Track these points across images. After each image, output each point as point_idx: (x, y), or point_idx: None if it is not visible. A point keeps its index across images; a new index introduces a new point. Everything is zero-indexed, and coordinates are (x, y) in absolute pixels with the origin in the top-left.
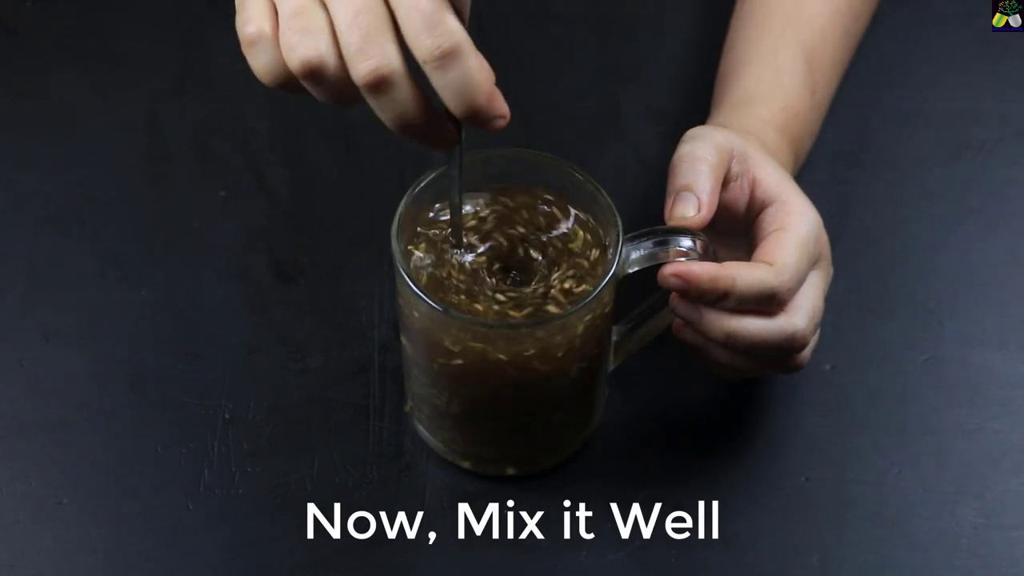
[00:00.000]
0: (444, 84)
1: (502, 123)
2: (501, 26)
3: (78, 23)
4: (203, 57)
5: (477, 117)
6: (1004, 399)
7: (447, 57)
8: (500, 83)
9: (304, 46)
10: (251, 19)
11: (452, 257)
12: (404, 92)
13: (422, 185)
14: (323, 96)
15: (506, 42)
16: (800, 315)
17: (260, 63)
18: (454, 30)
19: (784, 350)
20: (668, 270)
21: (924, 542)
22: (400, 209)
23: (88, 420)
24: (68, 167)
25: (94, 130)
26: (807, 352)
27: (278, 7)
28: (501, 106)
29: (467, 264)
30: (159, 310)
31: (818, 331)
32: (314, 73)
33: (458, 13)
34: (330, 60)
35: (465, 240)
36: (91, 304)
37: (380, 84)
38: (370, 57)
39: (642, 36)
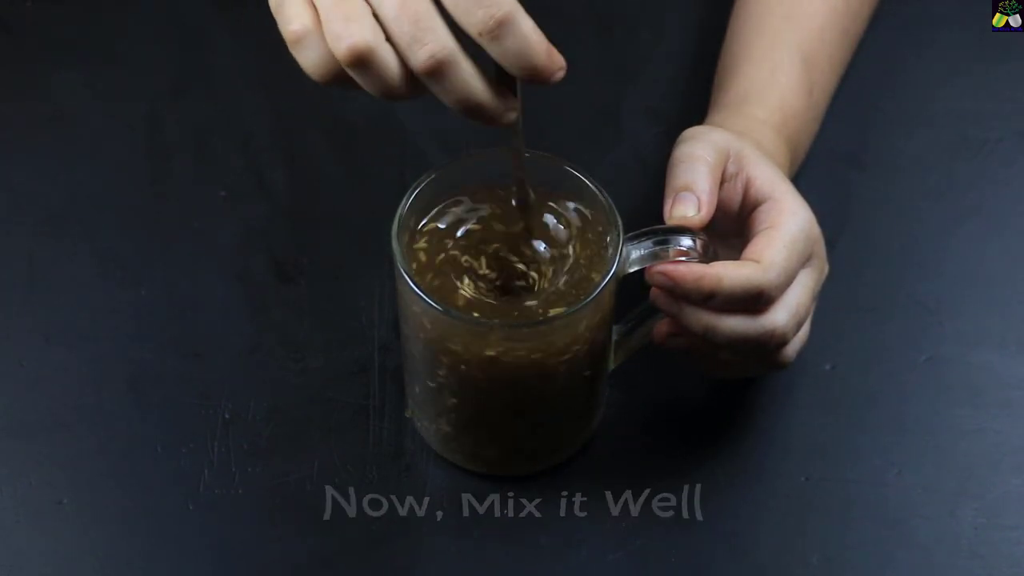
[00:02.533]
0: (503, 51)
1: (561, 74)
2: None
3: (78, 23)
4: (203, 57)
5: (539, 75)
6: (1004, 399)
7: (501, 25)
8: None
9: (350, 33)
10: (294, 16)
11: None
12: (464, 72)
13: (422, 185)
14: (374, 87)
15: None
16: (782, 312)
17: (308, 59)
18: None
19: (763, 345)
20: (655, 269)
21: (924, 542)
22: (400, 209)
23: (88, 420)
24: (68, 167)
25: (94, 130)
26: (791, 349)
27: (316, 2)
28: (558, 58)
29: (467, 264)
30: (159, 310)
31: (807, 329)
32: (362, 59)
33: None
34: (378, 45)
35: (465, 240)
36: (91, 304)
37: (440, 68)
38: (425, 43)
39: (642, 36)
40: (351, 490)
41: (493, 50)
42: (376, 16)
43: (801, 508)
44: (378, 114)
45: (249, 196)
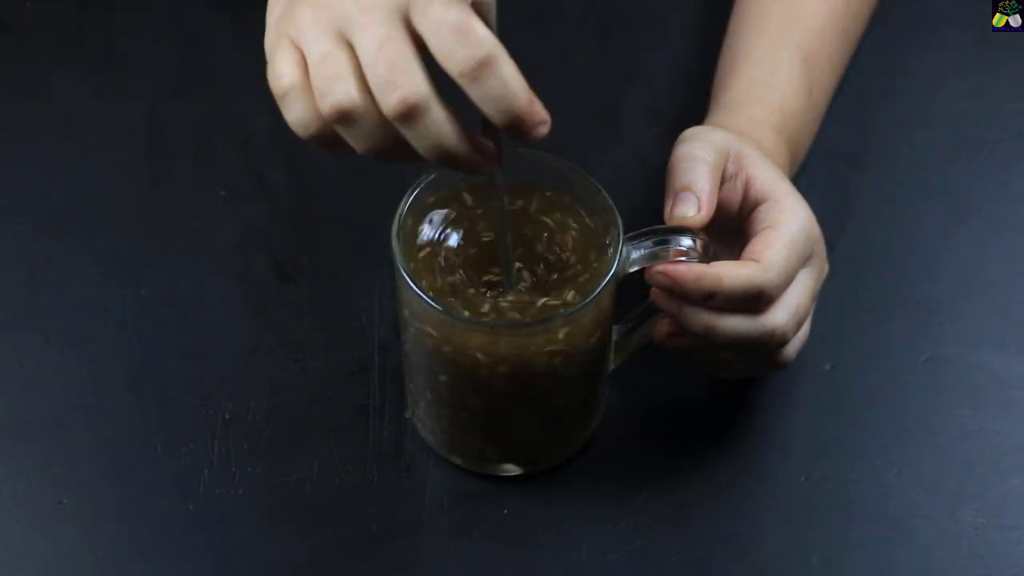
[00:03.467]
0: (483, 95)
1: (544, 129)
2: (501, 26)
3: (78, 23)
4: (203, 57)
5: (520, 125)
6: (1004, 399)
7: (483, 67)
8: None
9: (335, 92)
10: (283, 73)
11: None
12: (437, 117)
13: (422, 185)
14: (360, 142)
15: (506, 42)
16: (781, 311)
17: (295, 114)
18: (485, 38)
19: (764, 345)
20: (655, 269)
21: (924, 542)
22: (400, 209)
23: (88, 420)
24: (68, 167)
25: (94, 130)
26: (791, 349)
27: (306, 55)
28: (541, 111)
29: (468, 263)
30: (159, 310)
31: (807, 329)
32: (346, 116)
33: (485, 22)
34: (360, 101)
35: (464, 240)
36: (91, 304)
37: (412, 113)
38: (398, 87)
39: (642, 36)
40: (351, 490)
41: (473, 92)
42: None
43: (801, 508)
44: None
45: (249, 196)
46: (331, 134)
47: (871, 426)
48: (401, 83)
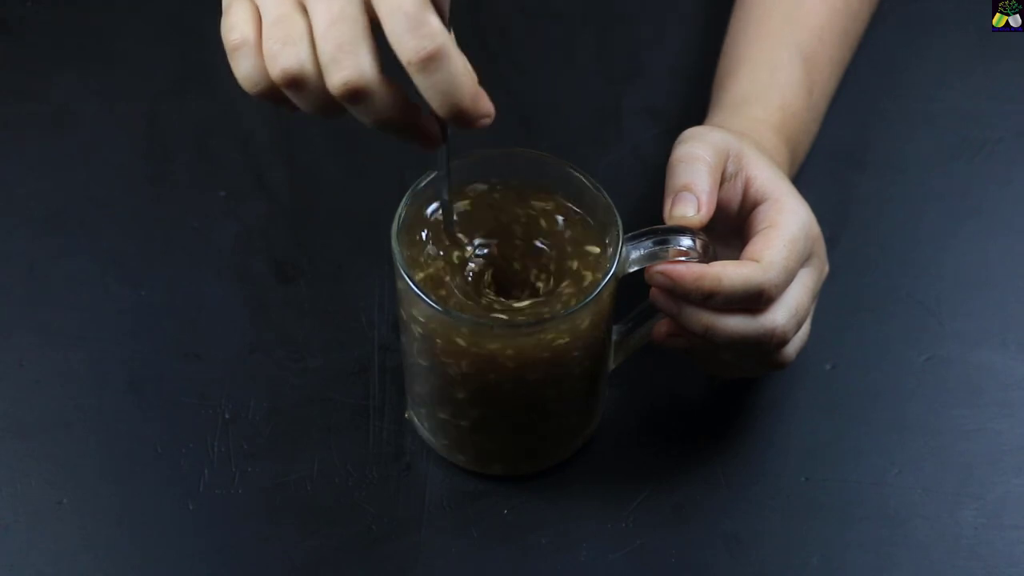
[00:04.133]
0: (428, 86)
1: (487, 122)
2: (501, 26)
3: (78, 23)
4: (203, 57)
5: (462, 117)
6: (1004, 399)
7: (431, 59)
8: (501, 83)
9: (285, 55)
10: (235, 26)
11: (452, 256)
12: (381, 99)
13: (422, 185)
14: (306, 106)
15: (506, 42)
16: (781, 311)
17: (243, 71)
18: (437, 31)
19: (763, 345)
20: (655, 268)
21: (924, 542)
22: (400, 209)
23: (88, 420)
24: (68, 167)
25: (94, 130)
26: (791, 349)
27: (262, 14)
28: (486, 105)
29: (468, 263)
30: (159, 310)
31: (807, 329)
32: (295, 82)
33: (439, 13)
34: (310, 69)
35: (464, 240)
36: (91, 304)
37: (354, 94)
38: (343, 68)
39: (642, 36)
40: (351, 490)
41: (419, 82)
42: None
43: (801, 508)
44: None
45: (249, 196)
46: (278, 93)
47: (871, 426)
48: (346, 64)
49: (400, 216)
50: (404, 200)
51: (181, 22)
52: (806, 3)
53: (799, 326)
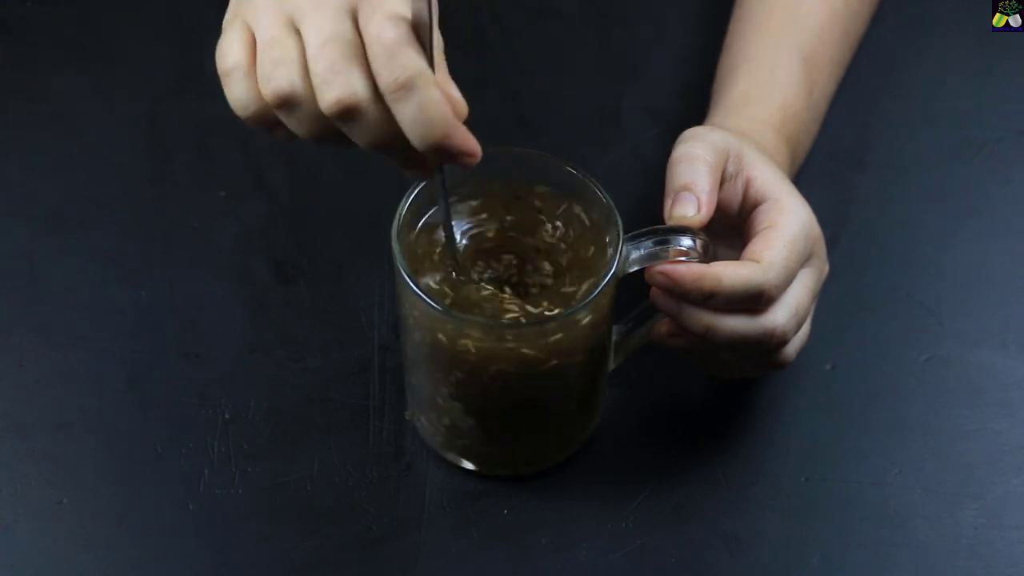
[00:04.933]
0: (402, 117)
1: (470, 160)
2: (501, 26)
3: (78, 23)
4: (203, 57)
5: (438, 151)
6: (1004, 399)
7: (402, 90)
8: (501, 83)
9: (277, 76)
10: (228, 51)
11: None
12: (372, 119)
13: (422, 185)
14: (299, 128)
15: (506, 42)
16: (781, 311)
17: (235, 94)
18: (410, 63)
19: (763, 345)
20: (655, 268)
21: (924, 542)
22: (400, 209)
23: (87, 420)
24: (68, 167)
25: (94, 130)
26: (791, 349)
27: (256, 38)
28: (463, 143)
29: (467, 263)
30: (159, 310)
31: (807, 329)
32: (287, 102)
33: (422, 45)
34: (301, 89)
35: (464, 239)
36: (91, 304)
37: (345, 114)
38: (335, 87)
39: (642, 36)
40: (351, 490)
41: (395, 112)
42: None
43: (801, 508)
44: None
45: (249, 196)
46: (270, 117)
47: (871, 426)
48: (337, 84)
49: (400, 216)
50: (404, 200)
51: (181, 22)
52: (806, 3)
53: (799, 326)
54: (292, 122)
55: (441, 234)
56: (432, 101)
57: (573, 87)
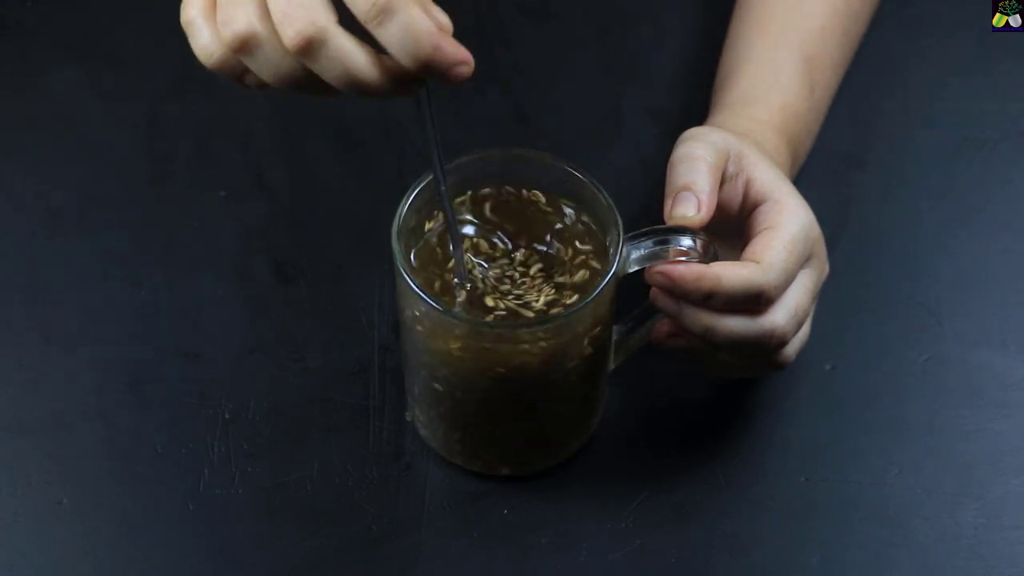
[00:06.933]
0: (388, 40)
1: (464, 70)
2: (501, 26)
3: (78, 23)
4: None
5: (431, 68)
6: (1004, 399)
7: (382, 13)
8: (501, 83)
9: (236, 18)
10: (191, 2)
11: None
12: (339, 49)
13: (422, 185)
14: (264, 73)
15: (506, 42)
16: (781, 312)
17: (199, 43)
18: None
19: (763, 346)
20: (655, 269)
21: (924, 542)
22: (400, 209)
23: (88, 420)
24: (68, 167)
25: (94, 130)
26: (791, 350)
27: None
28: (455, 53)
29: (467, 263)
30: (159, 310)
31: (807, 329)
32: (246, 44)
33: None
34: (260, 29)
35: (464, 240)
36: (91, 304)
37: (309, 47)
38: (295, 20)
39: (642, 36)
40: (351, 490)
41: (380, 39)
42: None
43: (801, 508)
44: (378, 114)
45: (249, 196)
46: (235, 64)
47: (871, 426)
48: (298, 16)
49: (400, 216)
50: (404, 200)
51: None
52: (807, 4)
53: (799, 327)
54: (256, 66)
55: (441, 236)
56: (415, 18)
57: (573, 87)
